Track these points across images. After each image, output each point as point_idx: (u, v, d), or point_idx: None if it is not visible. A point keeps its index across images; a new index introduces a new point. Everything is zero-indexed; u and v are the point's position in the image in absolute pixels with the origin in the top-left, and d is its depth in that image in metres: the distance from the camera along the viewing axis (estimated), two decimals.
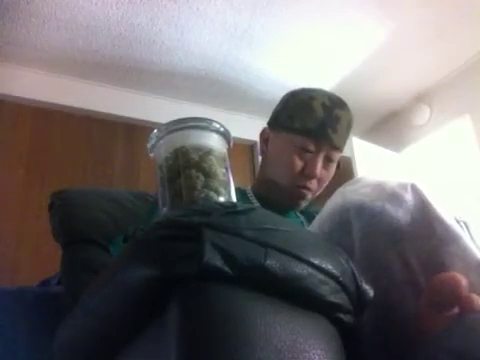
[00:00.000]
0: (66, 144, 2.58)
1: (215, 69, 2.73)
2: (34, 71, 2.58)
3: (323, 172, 0.98)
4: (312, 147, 0.95)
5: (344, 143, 0.99)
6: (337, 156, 0.99)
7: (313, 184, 0.97)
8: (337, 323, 0.44)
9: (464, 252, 0.49)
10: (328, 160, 0.98)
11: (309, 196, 0.99)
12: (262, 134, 1.06)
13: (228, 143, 0.61)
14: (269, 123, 1.06)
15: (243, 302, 0.39)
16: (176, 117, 0.58)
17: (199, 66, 2.69)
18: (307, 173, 0.95)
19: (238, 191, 0.61)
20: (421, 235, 0.50)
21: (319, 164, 0.96)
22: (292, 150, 0.96)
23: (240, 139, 2.92)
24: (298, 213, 1.04)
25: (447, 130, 2.88)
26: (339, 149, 0.98)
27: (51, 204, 1.03)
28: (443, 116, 2.93)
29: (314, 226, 0.60)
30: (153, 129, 0.58)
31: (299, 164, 0.96)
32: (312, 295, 0.41)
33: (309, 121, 0.94)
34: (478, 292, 0.46)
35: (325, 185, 1.01)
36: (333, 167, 1.00)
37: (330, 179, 1.01)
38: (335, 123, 0.95)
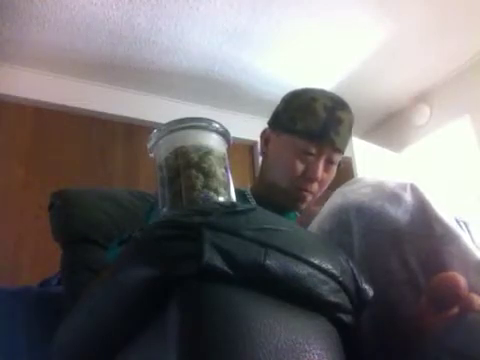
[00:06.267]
0: (66, 144, 2.58)
1: (215, 69, 2.73)
2: (34, 71, 2.58)
3: (324, 175, 0.97)
4: (314, 150, 0.94)
5: (346, 145, 0.99)
6: (338, 158, 0.99)
7: (314, 187, 0.97)
8: (337, 323, 0.44)
9: (463, 252, 0.49)
10: (329, 162, 0.97)
11: (309, 198, 0.99)
12: (262, 134, 1.06)
13: (228, 143, 0.61)
14: (269, 123, 1.05)
15: (243, 302, 0.39)
16: (176, 117, 0.58)
17: (199, 66, 2.69)
18: (308, 176, 0.95)
19: (237, 192, 0.61)
20: (420, 235, 0.50)
21: (321, 167, 0.95)
22: (293, 152, 0.96)
23: (240, 139, 2.92)
24: (298, 213, 1.04)
25: (447, 130, 2.88)
26: (341, 151, 0.97)
27: (51, 204, 1.03)
28: (443, 116, 2.93)
29: (314, 226, 0.60)
30: (153, 129, 0.58)
31: (300, 167, 0.95)
32: (312, 295, 0.41)
33: (311, 123, 0.93)
34: (478, 292, 0.46)
35: (326, 187, 1.01)
36: (334, 169, 1.00)
37: (331, 181, 1.01)
38: (337, 125, 0.94)
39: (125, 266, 0.44)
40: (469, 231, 0.53)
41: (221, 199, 0.53)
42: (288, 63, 2.72)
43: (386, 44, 2.59)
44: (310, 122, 0.93)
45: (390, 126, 3.31)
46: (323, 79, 2.83)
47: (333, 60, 2.72)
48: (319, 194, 1.01)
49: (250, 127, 2.91)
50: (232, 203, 0.46)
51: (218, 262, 0.38)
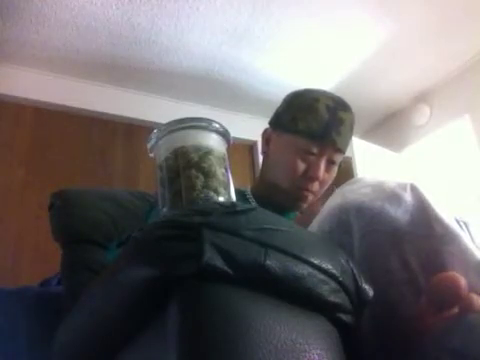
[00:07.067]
0: (66, 144, 2.58)
1: (215, 69, 2.73)
2: (34, 71, 2.58)
3: (325, 174, 0.97)
4: (315, 150, 0.95)
5: (347, 145, 0.99)
6: (339, 158, 0.99)
7: (315, 186, 0.97)
8: (337, 323, 0.44)
9: (463, 252, 0.49)
10: (330, 162, 0.97)
11: (310, 198, 0.99)
12: (264, 134, 1.06)
13: (228, 143, 0.61)
14: (271, 123, 1.05)
15: (243, 302, 0.39)
16: (176, 117, 0.58)
17: (199, 66, 2.69)
18: (310, 176, 0.95)
19: (237, 192, 0.61)
20: (420, 235, 0.50)
21: (322, 167, 0.95)
22: (295, 152, 0.96)
23: (240, 139, 2.92)
24: (298, 213, 1.04)
25: (447, 130, 2.88)
26: (342, 151, 0.98)
27: (51, 204, 1.03)
28: (443, 116, 2.93)
29: (314, 226, 0.60)
30: (153, 129, 0.58)
31: (302, 166, 0.95)
32: (312, 295, 0.41)
33: (313, 123, 0.94)
34: (477, 292, 0.46)
35: (327, 187, 1.01)
36: (335, 169, 1.00)
37: (331, 181, 1.01)
38: (339, 125, 0.94)
39: (125, 266, 0.44)
40: (469, 231, 0.53)
41: (221, 199, 0.53)
42: (288, 63, 2.72)
43: (386, 44, 2.59)
44: (312, 122, 0.94)
45: (390, 126, 3.31)
46: (323, 79, 2.83)
47: (333, 60, 2.72)
48: (320, 194, 1.01)
49: (250, 127, 2.91)
50: (232, 203, 0.46)
51: (218, 262, 0.38)
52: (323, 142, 0.94)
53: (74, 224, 0.98)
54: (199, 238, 0.39)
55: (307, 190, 0.97)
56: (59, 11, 2.21)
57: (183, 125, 0.57)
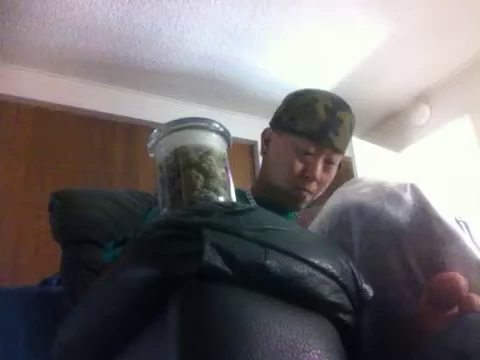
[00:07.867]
0: (66, 144, 2.58)
1: (215, 69, 2.73)
2: (34, 71, 2.58)
3: (323, 174, 0.97)
4: (313, 150, 0.95)
5: (346, 146, 0.99)
6: (338, 158, 0.99)
7: (313, 186, 0.97)
8: (337, 323, 0.44)
9: (463, 252, 0.49)
10: (329, 162, 0.97)
11: (309, 198, 0.99)
12: (263, 134, 1.06)
13: (228, 143, 0.61)
14: (271, 123, 1.05)
15: (243, 302, 0.39)
16: (176, 117, 0.58)
17: (199, 66, 2.69)
18: (307, 175, 0.95)
19: (237, 192, 0.61)
20: (421, 235, 0.50)
21: (319, 167, 0.95)
22: (293, 152, 0.96)
23: (240, 139, 2.92)
24: (297, 213, 1.04)
25: (447, 130, 2.88)
26: (340, 152, 0.98)
27: (51, 204, 1.03)
28: (443, 116, 2.93)
29: (314, 226, 0.60)
30: (153, 129, 0.58)
31: (299, 166, 0.96)
32: (312, 295, 0.41)
33: (311, 124, 0.94)
34: (478, 292, 0.46)
35: (326, 187, 1.01)
36: (334, 169, 1.00)
37: (331, 181, 1.01)
38: (337, 126, 0.94)
39: (125, 266, 0.44)
40: (469, 231, 0.53)
41: (221, 199, 0.53)
42: (288, 63, 2.72)
43: (386, 44, 2.59)
44: (310, 122, 0.94)
45: (390, 126, 3.31)
46: (323, 79, 2.83)
47: (333, 60, 2.72)
48: (319, 194, 1.01)
49: (250, 127, 2.91)
50: (232, 203, 0.46)
51: (218, 262, 0.38)
52: (321, 142, 0.94)
53: (74, 224, 0.98)
54: (199, 238, 0.39)
55: (305, 190, 0.97)
56: (59, 11, 2.21)
57: (183, 125, 0.57)
